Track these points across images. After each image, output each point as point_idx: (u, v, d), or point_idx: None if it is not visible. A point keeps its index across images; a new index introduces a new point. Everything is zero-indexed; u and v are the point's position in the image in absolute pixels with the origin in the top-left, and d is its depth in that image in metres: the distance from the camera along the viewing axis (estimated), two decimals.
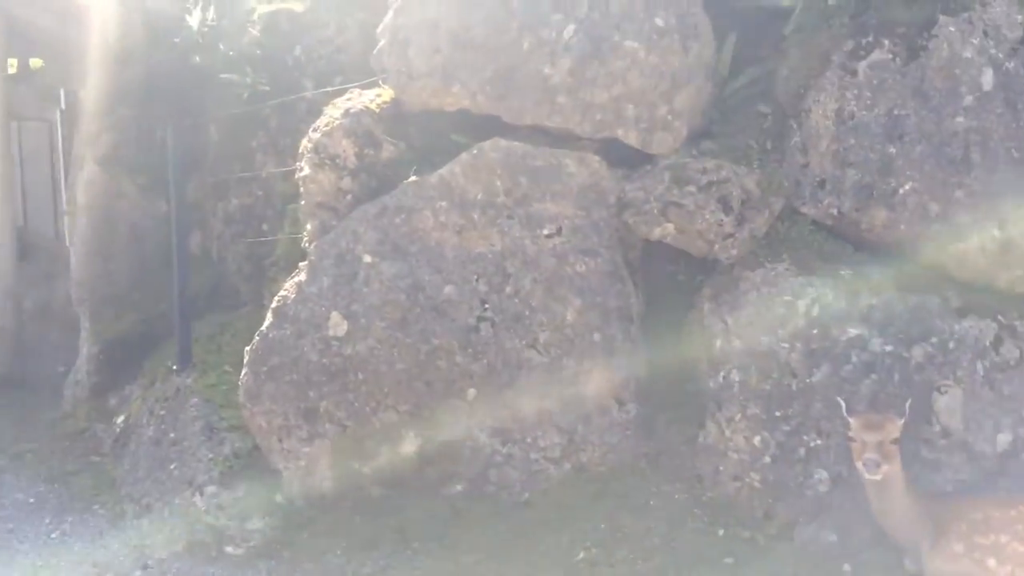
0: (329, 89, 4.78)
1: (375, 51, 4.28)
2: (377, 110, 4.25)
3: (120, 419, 5.01)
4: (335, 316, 3.94)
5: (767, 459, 3.41)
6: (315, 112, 4.95)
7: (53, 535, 4.12)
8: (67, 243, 7.70)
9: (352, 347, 3.91)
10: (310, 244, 4.29)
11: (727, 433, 3.51)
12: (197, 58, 5.58)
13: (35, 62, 12.30)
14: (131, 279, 5.63)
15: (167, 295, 5.43)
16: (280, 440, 3.96)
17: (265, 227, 5.35)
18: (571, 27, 3.86)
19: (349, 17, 5.23)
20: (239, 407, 4.29)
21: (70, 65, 7.92)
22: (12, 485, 4.71)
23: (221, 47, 5.31)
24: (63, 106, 7.51)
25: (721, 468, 3.53)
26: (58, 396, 6.22)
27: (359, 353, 3.90)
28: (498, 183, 3.92)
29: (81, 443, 5.19)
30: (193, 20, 5.35)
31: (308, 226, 4.33)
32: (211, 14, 5.38)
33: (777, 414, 3.41)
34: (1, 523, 4.30)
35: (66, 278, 8.05)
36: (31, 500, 4.51)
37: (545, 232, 3.88)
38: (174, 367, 4.88)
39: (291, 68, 5.26)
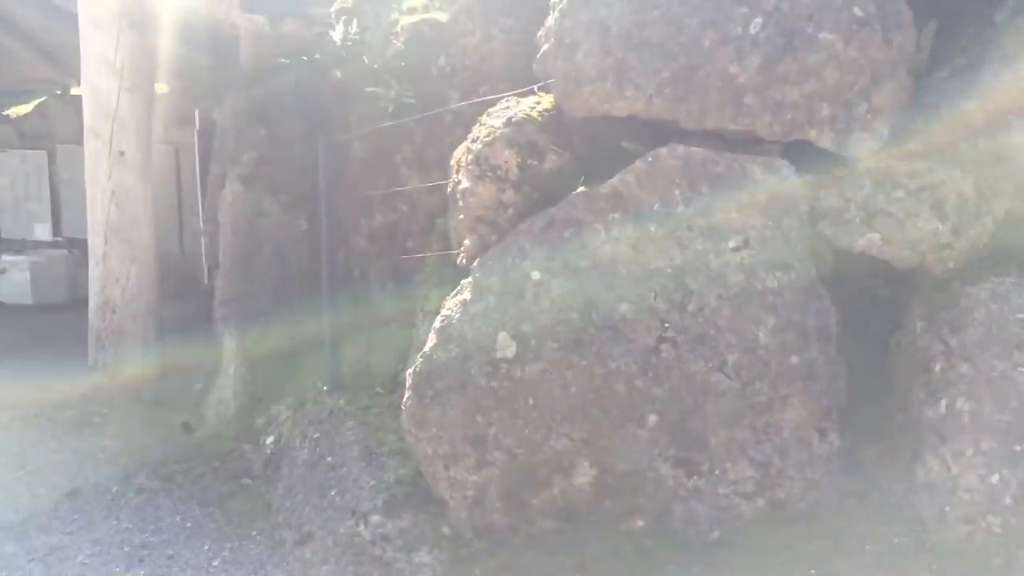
0: (477, 100, 4.59)
1: (538, 55, 4.04)
2: (539, 118, 4.01)
3: (269, 440, 4.91)
4: (503, 337, 3.70)
5: (1008, 500, 2.99)
6: (461, 124, 4.77)
7: (214, 563, 4.01)
8: (203, 261, 7.79)
9: (522, 370, 3.65)
10: (469, 260, 4.08)
11: (954, 470, 3.10)
12: (339, 73, 5.47)
13: (159, 86, 12.68)
14: (274, 297, 5.56)
15: (310, 314, 5.34)
16: (446, 468, 3.74)
17: (410, 244, 5.19)
18: (758, 20, 3.53)
19: (494, 25, 5.03)
20: (395, 431, 4.12)
21: (202, 87, 8.02)
22: (168, 508, 4.65)
23: (365, 60, 5.16)
24: (198, 127, 7.56)
25: (948, 509, 3.12)
26: (199, 414, 6.21)
27: (530, 376, 3.64)
28: (676, 192, 3.62)
29: (230, 464, 5.10)
30: (336, 34, 5.23)
31: (466, 241, 4.12)
32: (354, 28, 5.25)
33: (1017, 449, 2.98)
34: (160, 548, 4.22)
35: (195, 295, 8.16)
36: (188, 524, 4.43)
37: (731, 245, 3.55)
38: (324, 388, 4.74)
39: (436, 79, 5.09)
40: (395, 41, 5.15)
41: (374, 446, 4.10)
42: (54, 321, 10.48)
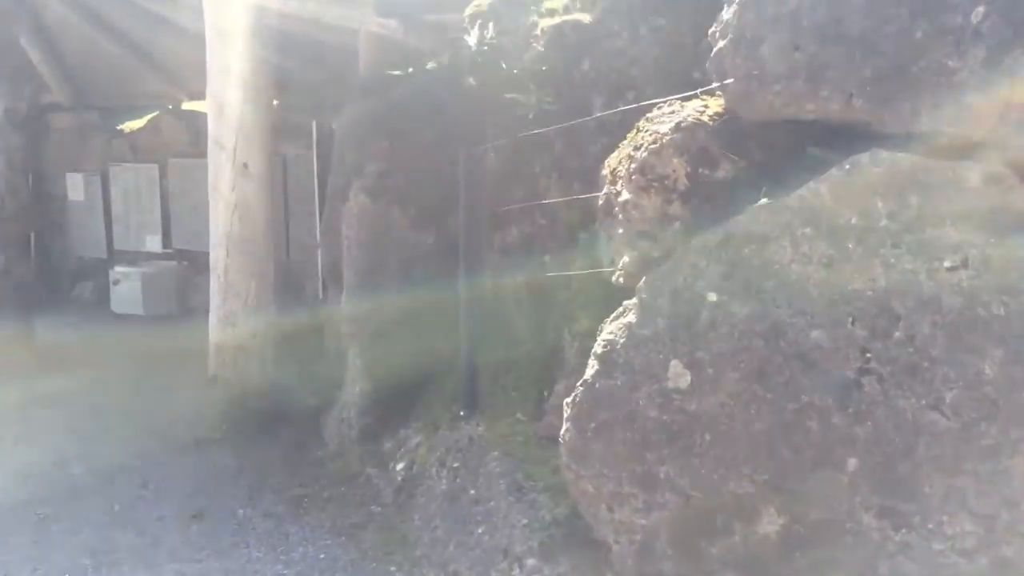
0: (631, 106, 4.23)
1: (712, 53, 3.65)
2: (710, 123, 3.62)
3: (400, 466, 4.63)
4: (675, 365, 3.31)
5: None
6: (606, 131, 4.43)
7: None
8: (318, 274, 7.63)
9: (697, 402, 3.26)
10: (628, 279, 3.72)
11: None
12: (471, 79, 5.19)
13: None
14: (401, 314, 5.30)
15: (438, 332, 5.06)
16: (610, 509, 3.37)
17: (547, 258, 4.86)
18: (980, 9, 3.06)
19: (643, 25, 4.68)
20: (544, 463, 3.79)
21: (314, 98, 7.88)
22: (298, 536, 4.41)
23: (503, 65, 4.87)
24: (315, 139, 7.41)
25: None
26: (315, 431, 6.00)
27: (706, 409, 3.25)
28: (880, 204, 3.17)
29: (357, 490, 4.85)
30: (472, 39, 4.95)
31: (624, 258, 3.76)
32: (490, 31, 4.97)
33: None
34: None
35: (302, 308, 8.01)
36: (321, 556, 4.18)
37: (946, 264, 3.08)
38: (461, 412, 4.43)
39: (578, 84, 4.76)
40: (535, 45, 4.85)
41: (522, 480, 3.77)
42: (166, 332, 10.55)
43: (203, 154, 12.59)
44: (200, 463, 5.61)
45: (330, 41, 7.97)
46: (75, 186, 13.09)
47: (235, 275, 6.10)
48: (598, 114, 4.56)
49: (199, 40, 11.49)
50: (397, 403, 5.11)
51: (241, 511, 4.78)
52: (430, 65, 5.96)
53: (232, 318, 6.12)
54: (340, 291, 6.69)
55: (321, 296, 7.57)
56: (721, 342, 3.27)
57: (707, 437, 3.25)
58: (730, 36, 3.56)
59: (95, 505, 4.97)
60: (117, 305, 11.90)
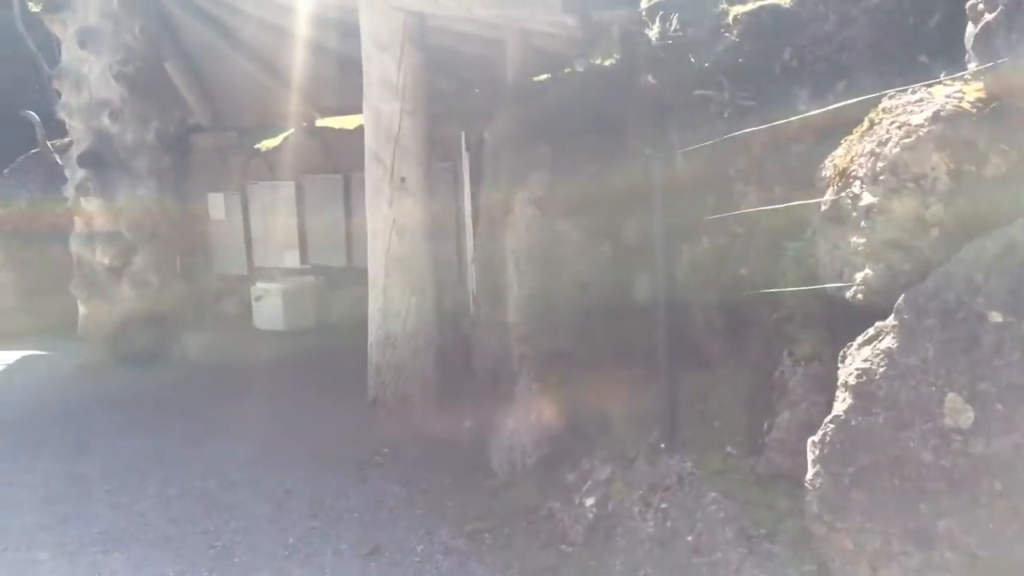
0: (855, 99, 3.69)
1: (976, 29, 3.10)
2: (973, 112, 3.07)
3: (590, 502, 4.22)
4: (953, 399, 2.79)
5: None
6: (812, 129, 3.90)
7: None
8: (469, 289, 7.34)
9: (984, 444, 2.73)
10: (870, 295, 3.21)
11: None
12: (650, 77, 4.75)
13: None
14: (576, 333, 4.92)
15: (620, 353, 4.64)
16: (874, 569, 2.87)
17: (743, 271, 4.37)
18: None
19: (854, 5, 4.14)
20: (769, 507, 3.31)
21: (463, 108, 7.61)
22: None
23: (692, 60, 4.41)
24: (465, 150, 7.13)
25: None
26: (479, 456, 5.67)
27: (996, 452, 2.71)
28: None
29: (540, 525, 4.48)
30: (653, 32, 4.52)
31: (866, 272, 3.25)
32: (674, 23, 4.52)
33: None
34: None
35: (454, 327, 7.71)
36: None
37: None
38: (661, 445, 3.98)
39: (778, 77, 4.27)
40: (727, 35, 4.37)
41: (750, 527, 3.29)
42: (309, 348, 10.53)
43: (336, 170, 12.67)
44: (366, 489, 5.36)
45: (473, 47, 7.71)
46: (216, 205, 13.35)
47: (394, 293, 5.86)
48: (805, 110, 4.05)
49: (332, 58, 11.52)
50: (578, 431, 4.71)
51: (420, 547, 4.48)
52: (593, 64, 5.56)
53: (392, 339, 5.88)
54: (495, 307, 6.37)
55: (472, 311, 7.27)
56: (1010, 372, 2.73)
57: (997, 486, 2.72)
58: (1000, 9, 3.00)
59: (270, 536, 4.78)
60: (259, 321, 12.01)
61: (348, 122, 13.04)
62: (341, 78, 11.87)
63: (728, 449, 3.82)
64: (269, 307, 11.90)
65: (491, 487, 5.17)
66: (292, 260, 12.49)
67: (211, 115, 13.04)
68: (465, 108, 8.04)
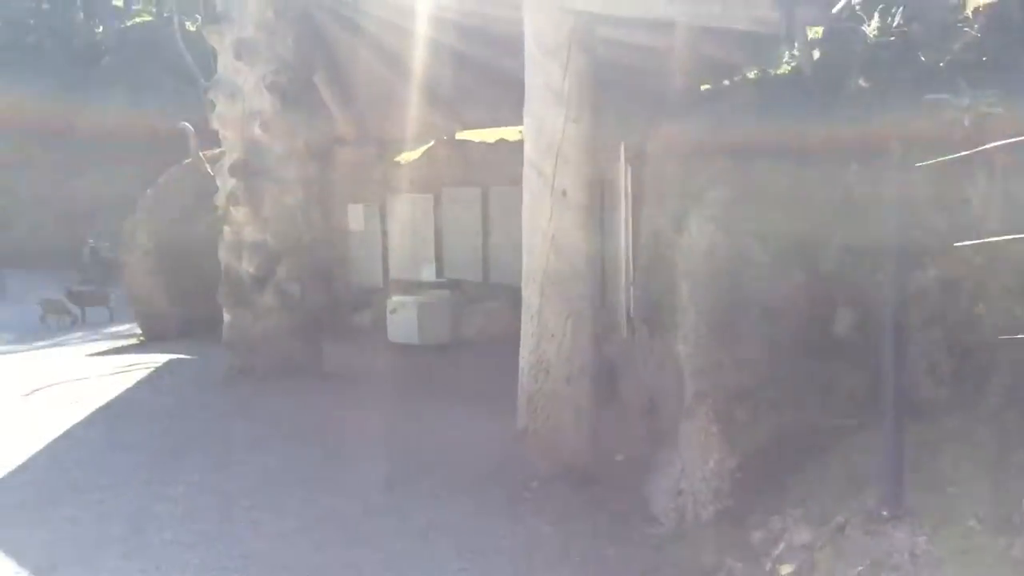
0: None
1: None
2: None
3: (786, 570, 3.60)
4: None
5: None
6: None
7: None
8: (625, 312, 6.80)
9: None
10: None
11: None
12: (861, 80, 4.11)
13: None
14: (765, 370, 4.29)
15: (816, 395, 4.00)
16: None
17: (980, 307, 3.66)
18: None
19: None
20: None
21: (621, 117, 7.10)
22: None
23: (922, 59, 3.75)
24: (623, 161, 6.60)
25: None
26: (635, 497, 5.11)
27: None
28: None
29: None
30: (870, 28, 3.89)
31: None
32: (896, 18, 3.87)
33: None
34: None
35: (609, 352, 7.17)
36: None
37: None
38: (883, 512, 3.33)
39: None
40: (965, 30, 3.68)
41: None
42: (446, 365, 10.24)
43: (475, 183, 12.40)
44: (516, 529, 4.90)
45: (631, 53, 7.20)
46: (356, 217, 13.34)
47: (549, 315, 5.39)
48: None
49: (476, 70, 11.28)
50: (766, 483, 4.09)
51: None
52: (780, 70, 4.96)
53: (545, 364, 5.41)
54: (656, 334, 5.81)
55: (627, 334, 6.73)
56: None
57: None
58: None
59: (412, 573, 4.38)
60: (394, 334, 11.83)
61: (489, 135, 12.79)
62: (484, 91, 11.63)
63: (971, 523, 3.13)
64: (404, 320, 11.70)
65: (655, 537, 4.60)
66: (428, 273, 12.28)
67: (354, 127, 13.03)
68: (622, 118, 7.52)
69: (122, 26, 29.09)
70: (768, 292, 4.36)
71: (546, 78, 5.30)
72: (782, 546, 3.77)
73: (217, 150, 14.04)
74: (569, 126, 5.27)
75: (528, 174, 5.45)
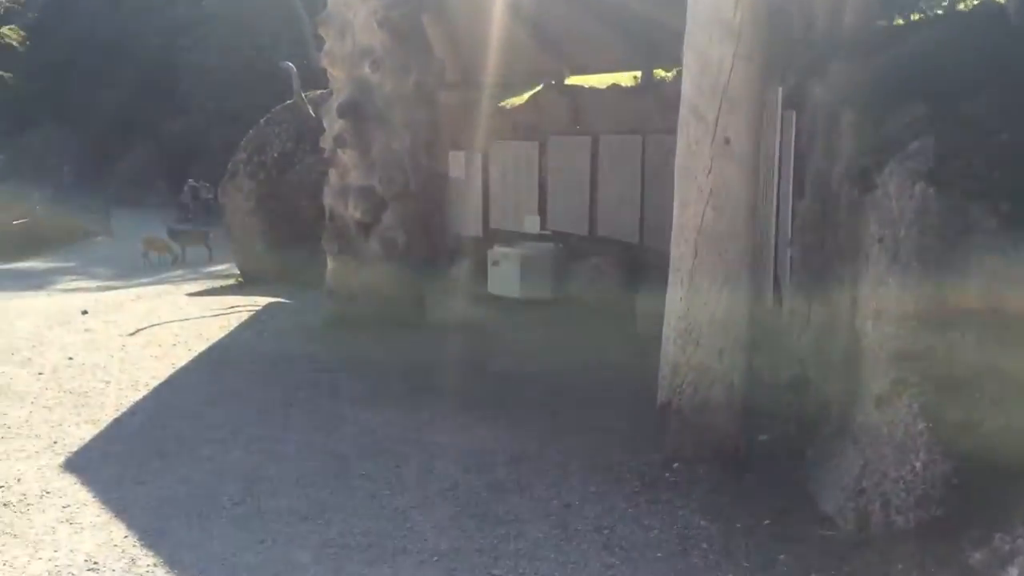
0: None
1: None
2: None
3: None
4: None
5: None
6: None
7: None
8: (780, 280, 6.05)
9: None
10: None
11: None
12: None
13: (658, 72, 11.38)
14: (988, 359, 3.52)
15: None
16: None
17: None
18: None
19: None
20: None
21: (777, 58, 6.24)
22: None
23: None
24: (780, 108, 5.79)
25: None
26: (798, 491, 4.44)
27: None
28: None
29: None
30: None
31: None
32: None
33: None
34: None
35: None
36: None
37: None
38: None
39: None
40: None
41: None
42: (547, 319, 9.66)
43: (584, 132, 11.62)
44: (664, 519, 4.29)
45: None
46: (457, 164, 12.73)
47: (703, 279, 4.70)
48: None
49: (591, 10, 10.44)
50: (984, 493, 3.38)
51: None
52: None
53: (695, 333, 4.73)
54: (820, 303, 5.07)
55: (773, 305, 5.99)
56: None
57: None
58: None
59: (560, 570, 3.83)
60: (493, 286, 11.28)
61: (599, 81, 11.95)
62: (596, 32, 10.78)
63: None
64: (506, 273, 11.12)
65: (833, 542, 3.93)
66: (531, 225, 11.62)
67: (459, 71, 12.35)
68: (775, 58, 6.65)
69: None
70: (995, 264, 3.57)
71: (714, 7, 4.52)
72: (1014, 571, 3.06)
73: (318, 91, 13.63)
74: (739, 64, 4.50)
75: (685, 117, 4.71)
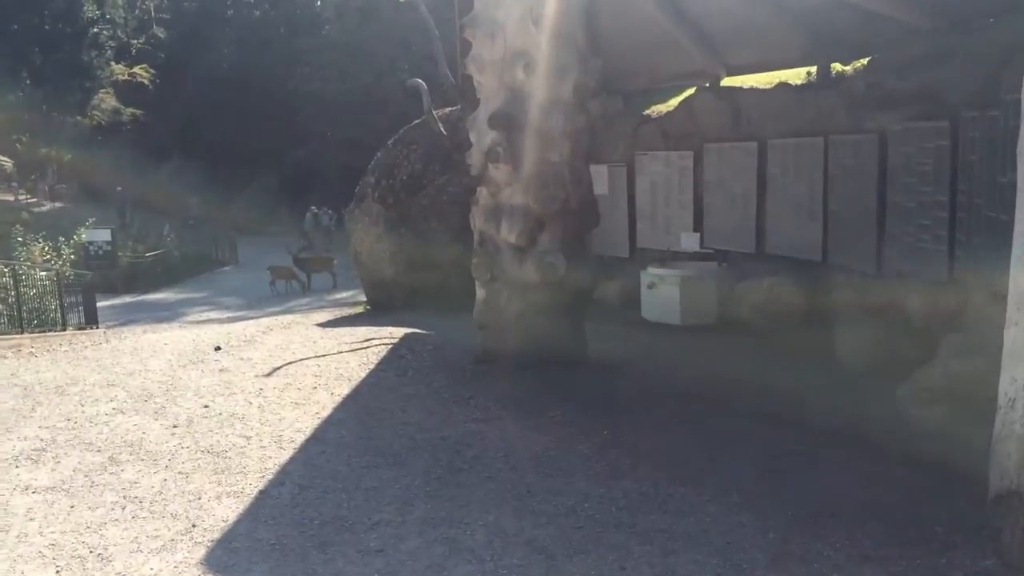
0: None
1: None
2: None
3: None
4: None
5: None
6: None
7: None
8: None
9: None
10: None
11: None
12: None
13: (836, 66, 9.78)
14: None
15: None
16: None
17: None
18: None
19: None
20: None
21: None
22: None
23: None
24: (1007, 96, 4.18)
25: None
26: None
27: None
28: None
29: None
30: None
31: None
32: None
33: None
34: None
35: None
36: None
37: None
38: None
39: None
40: None
41: None
42: (715, 349, 8.18)
43: (748, 137, 10.07)
44: None
45: None
46: (599, 178, 11.37)
47: None
48: None
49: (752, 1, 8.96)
50: None
51: None
52: None
53: None
54: None
55: None
56: None
57: None
58: None
59: None
60: (649, 312, 9.90)
61: (762, 80, 10.44)
62: (756, 27, 9.30)
63: None
64: (664, 297, 9.71)
65: None
66: (691, 243, 10.16)
67: (598, 77, 11.04)
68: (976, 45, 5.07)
69: None
70: None
71: None
72: None
73: (446, 109, 12.61)
74: None
75: None
